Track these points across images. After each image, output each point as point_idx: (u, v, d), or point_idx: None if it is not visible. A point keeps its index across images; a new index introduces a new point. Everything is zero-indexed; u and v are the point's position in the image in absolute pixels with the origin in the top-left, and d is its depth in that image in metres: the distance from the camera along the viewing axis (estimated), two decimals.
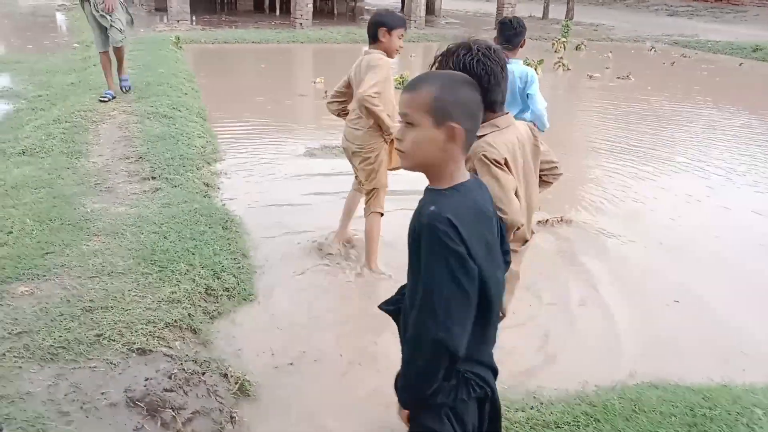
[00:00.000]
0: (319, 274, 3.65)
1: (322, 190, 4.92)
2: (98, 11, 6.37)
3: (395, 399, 1.52)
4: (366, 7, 23.35)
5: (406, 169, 1.47)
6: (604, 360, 2.98)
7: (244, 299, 3.27)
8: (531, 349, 3.04)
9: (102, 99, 6.60)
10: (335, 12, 19.95)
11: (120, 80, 7.05)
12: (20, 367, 2.46)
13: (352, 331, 3.14)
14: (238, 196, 4.70)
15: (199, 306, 3.05)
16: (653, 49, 15.00)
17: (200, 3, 19.25)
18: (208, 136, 6.11)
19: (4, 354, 2.52)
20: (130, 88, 7.13)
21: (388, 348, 2.91)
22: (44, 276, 3.17)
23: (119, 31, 6.53)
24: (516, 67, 3.86)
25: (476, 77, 1.61)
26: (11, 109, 6.61)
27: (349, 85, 3.66)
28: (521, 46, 3.87)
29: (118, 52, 6.77)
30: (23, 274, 3.18)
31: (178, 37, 11.64)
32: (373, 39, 3.47)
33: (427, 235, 1.33)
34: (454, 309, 1.32)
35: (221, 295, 3.22)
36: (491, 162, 1.88)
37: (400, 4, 21.38)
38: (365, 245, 3.71)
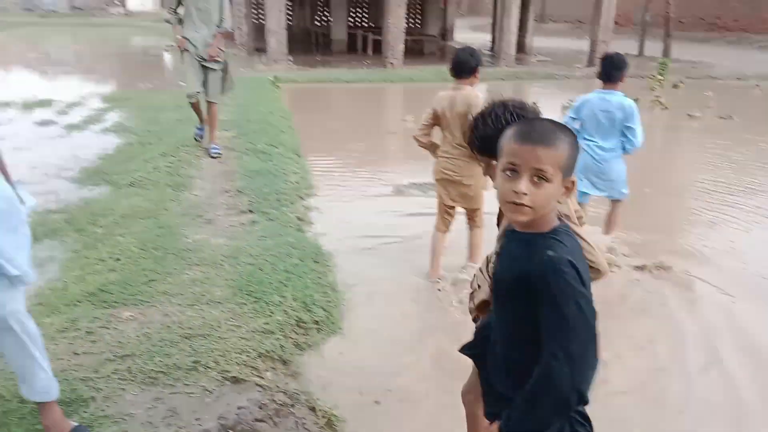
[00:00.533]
0: (408, 311, 3.66)
1: (411, 227, 4.95)
2: (198, 57, 6.24)
3: None
4: (455, 46, 23.64)
5: (519, 222, 1.44)
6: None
7: (333, 333, 3.32)
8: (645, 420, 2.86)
9: (196, 138, 6.94)
10: (425, 51, 20.28)
11: (210, 149, 6.54)
12: (123, 389, 2.59)
13: (439, 371, 3.10)
14: (329, 231, 4.80)
15: (290, 338, 3.12)
16: (758, 87, 14.23)
17: (297, 44, 20.11)
18: (302, 171, 6.31)
19: (110, 375, 2.67)
20: (219, 155, 6.49)
21: None
22: (148, 302, 3.35)
23: (221, 81, 6.46)
24: (615, 97, 4.01)
25: None
26: (123, 142, 7.09)
27: (436, 118, 3.85)
28: (621, 81, 3.99)
29: (212, 109, 6.51)
30: (129, 299, 3.37)
31: (276, 77, 12.18)
32: (468, 74, 3.65)
33: (554, 281, 1.33)
34: (590, 353, 1.33)
35: (311, 327, 3.28)
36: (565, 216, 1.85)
37: (489, 42, 21.49)
38: (471, 256, 4.07)
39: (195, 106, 6.59)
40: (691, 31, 26.88)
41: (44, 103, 9.34)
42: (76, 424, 2.30)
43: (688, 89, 13.72)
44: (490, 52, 19.81)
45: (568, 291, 1.32)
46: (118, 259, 3.87)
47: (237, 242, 4.22)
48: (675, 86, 13.48)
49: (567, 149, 1.38)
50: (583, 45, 18.66)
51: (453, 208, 3.99)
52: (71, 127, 7.86)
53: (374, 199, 5.72)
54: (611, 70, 4.06)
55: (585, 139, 4.24)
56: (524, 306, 1.37)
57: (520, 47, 20.33)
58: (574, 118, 4.25)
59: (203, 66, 6.31)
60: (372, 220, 5.15)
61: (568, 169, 1.39)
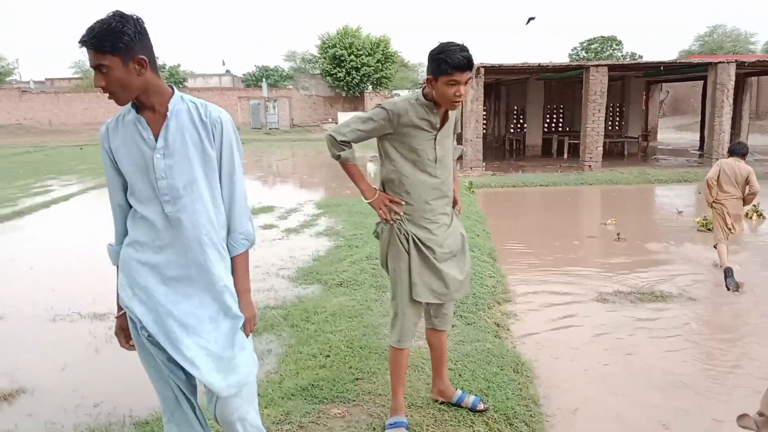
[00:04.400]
0: None
1: (614, 337, 4.65)
2: None
3: None
4: (659, 146, 22.55)
5: None
6: None
7: None
8: None
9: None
10: (625, 152, 19.64)
11: None
12: None
13: None
14: (528, 340, 4.68)
15: None
16: None
17: (491, 150, 20.70)
18: (498, 276, 6.30)
19: None
20: None
21: None
22: (354, 401, 3.49)
23: None
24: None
25: None
26: (333, 245, 7.69)
27: (719, 177, 6.37)
28: None
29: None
30: (337, 396, 3.55)
31: (471, 182, 12.55)
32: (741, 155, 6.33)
33: None
34: None
35: None
36: None
37: (698, 142, 20.22)
38: None
39: None
40: None
41: (267, 209, 10.57)
42: None
43: None
44: (698, 151, 18.58)
45: None
46: (328, 356, 4.12)
47: None
48: None
49: None
50: None
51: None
52: (289, 231, 8.74)
53: (576, 306, 5.48)
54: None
55: None
56: None
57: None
58: None
59: None
60: (574, 331, 4.92)
61: None
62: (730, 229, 6.31)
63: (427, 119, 2.88)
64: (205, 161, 2.13)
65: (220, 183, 2.19)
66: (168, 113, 2.10)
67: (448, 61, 2.70)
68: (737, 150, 6.40)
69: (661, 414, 3.52)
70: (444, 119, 2.94)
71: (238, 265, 2.23)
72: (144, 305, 2.14)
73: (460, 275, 3.09)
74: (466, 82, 2.77)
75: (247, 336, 2.21)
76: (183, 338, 2.11)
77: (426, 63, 2.86)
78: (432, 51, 2.78)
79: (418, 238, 2.96)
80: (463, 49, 2.73)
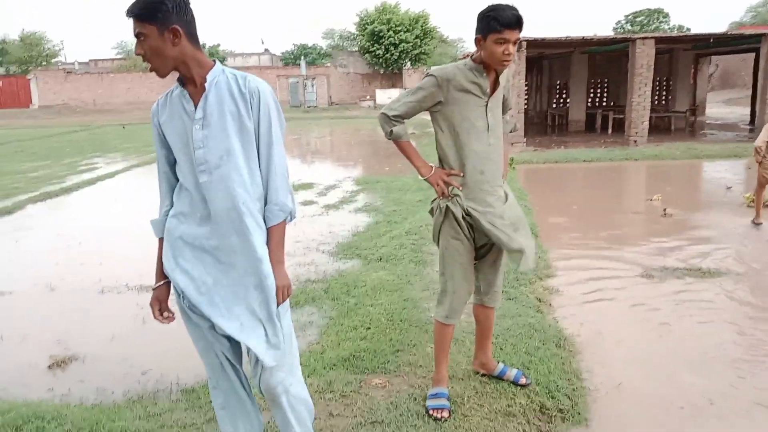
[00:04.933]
0: (657, 410, 3.30)
1: (660, 314, 4.55)
2: None
3: None
4: (707, 121, 21.82)
5: None
6: None
7: (579, 423, 3.11)
8: None
9: None
10: (672, 127, 19.07)
11: None
12: None
13: None
14: (570, 315, 4.61)
15: (534, 424, 3.01)
16: None
17: (533, 126, 20.34)
18: (539, 251, 6.21)
19: None
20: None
21: None
22: (395, 372, 3.51)
23: None
24: None
25: None
26: (372, 221, 7.70)
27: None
28: None
29: None
30: (378, 367, 3.57)
31: (512, 158, 12.37)
32: None
33: None
34: None
35: (555, 415, 3.12)
36: None
37: (748, 116, 19.53)
38: None
39: None
40: None
41: (306, 186, 10.63)
42: None
43: None
44: (749, 126, 17.93)
45: None
46: (368, 328, 4.14)
47: None
48: None
49: None
50: None
51: None
52: (329, 207, 8.79)
53: (619, 283, 5.38)
54: None
55: None
56: None
57: None
58: None
59: None
60: (616, 306, 4.83)
61: None
62: None
63: (476, 82, 2.83)
64: (242, 132, 2.14)
65: (258, 154, 2.19)
66: (207, 84, 2.11)
67: (498, 18, 2.67)
68: None
69: (705, 390, 3.43)
70: (494, 85, 2.89)
71: (273, 236, 2.23)
72: (186, 275, 2.18)
73: (525, 240, 3.03)
74: (514, 42, 2.72)
75: (278, 306, 2.21)
76: (225, 307, 2.14)
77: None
78: (481, 11, 2.76)
79: (477, 211, 2.91)
80: (512, 7, 2.70)
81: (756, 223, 7.13)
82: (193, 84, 2.13)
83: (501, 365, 3.39)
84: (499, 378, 3.34)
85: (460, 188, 2.93)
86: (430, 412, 2.99)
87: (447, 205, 2.94)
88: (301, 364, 3.58)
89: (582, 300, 4.98)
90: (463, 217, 2.92)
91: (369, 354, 3.73)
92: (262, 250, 2.17)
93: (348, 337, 4.02)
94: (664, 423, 3.15)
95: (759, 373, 3.63)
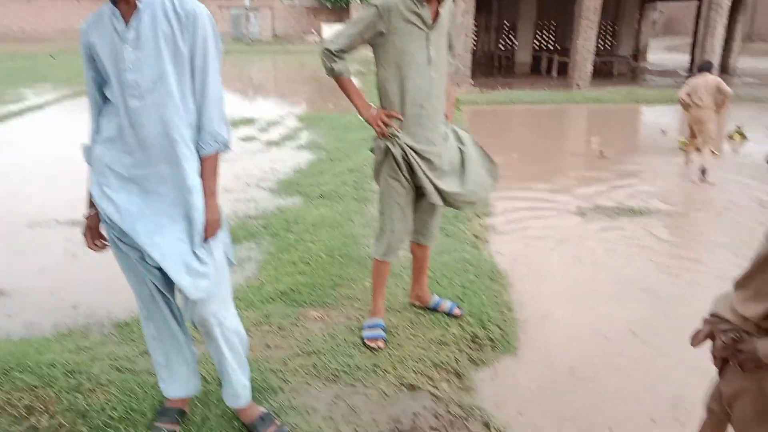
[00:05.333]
0: (582, 339, 3.47)
1: (591, 251, 4.73)
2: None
3: None
4: (648, 67, 22.25)
5: None
6: None
7: (508, 352, 3.24)
8: None
9: None
10: (615, 72, 19.37)
11: None
12: (308, 384, 2.75)
13: (623, 402, 2.89)
14: (505, 251, 4.73)
15: (465, 352, 3.11)
16: None
17: (480, 67, 20.28)
18: None
19: (297, 369, 2.85)
20: None
21: (666, 426, 2.63)
22: (332, 305, 3.55)
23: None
24: None
25: None
26: (314, 158, 7.62)
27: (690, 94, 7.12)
28: None
29: None
30: (316, 301, 3.60)
31: (457, 99, 12.35)
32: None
33: None
34: None
35: (486, 344, 3.24)
36: None
37: (688, 64, 20.00)
38: None
39: None
40: None
41: (248, 122, 10.37)
42: (264, 410, 2.47)
43: None
44: (687, 74, 18.39)
45: None
46: (308, 263, 4.14)
47: None
48: None
49: None
50: None
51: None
52: (270, 143, 8.63)
53: (554, 221, 5.54)
54: None
55: None
56: None
57: (724, 68, 18.66)
58: None
59: None
60: (550, 241, 4.99)
61: None
62: (703, 139, 7.21)
63: (417, 12, 2.76)
64: (176, 56, 2.03)
65: (193, 80, 2.09)
66: (140, 3, 1.99)
67: None
68: (704, 67, 7.37)
69: (629, 321, 3.62)
70: (435, 16, 2.83)
71: (206, 167, 2.16)
72: (111, 203, 2.10)
73: (460, 188, 3.04)
74: None
75: (207, 240, 2.17)
76: (154, 236, 2.08)
77: None
78: None
79: (416, 151, 2.89)
80: None
81: (702, 169, 7.08)
82: (125, 2, 2.00)
83: (436, 297, 3.47)
84: (434, 310, 3.43)
85: (400, 130, 2.90)
86: (366, 342, 3.05)
87: (386, 146, 2.91)
88: (238, 298, 3.60)
89: (517, 237, 5.12)
90: (403, 159, 2.90)
91: (307, 288, 3.75)
92: (194, 181, 2.11)
93: (287, 272, 4.02)
94: (587, 350, 3.31)
95: (677, 304, 3.85)
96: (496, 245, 4.87)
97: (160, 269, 2.21)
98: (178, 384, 2.42)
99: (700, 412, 2.69)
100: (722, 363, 1.72)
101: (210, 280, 2.15)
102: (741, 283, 1.62)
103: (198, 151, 2.14)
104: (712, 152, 7.27)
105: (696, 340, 1.74)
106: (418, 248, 3.36)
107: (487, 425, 2.55)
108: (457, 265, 4.13)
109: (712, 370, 1.61)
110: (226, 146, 2.19)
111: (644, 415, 2.74)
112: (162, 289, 2.28)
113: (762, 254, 1.54)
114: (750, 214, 5.69)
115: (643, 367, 3.14)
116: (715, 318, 1.69)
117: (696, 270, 4.45)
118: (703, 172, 6.95)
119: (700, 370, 2.98)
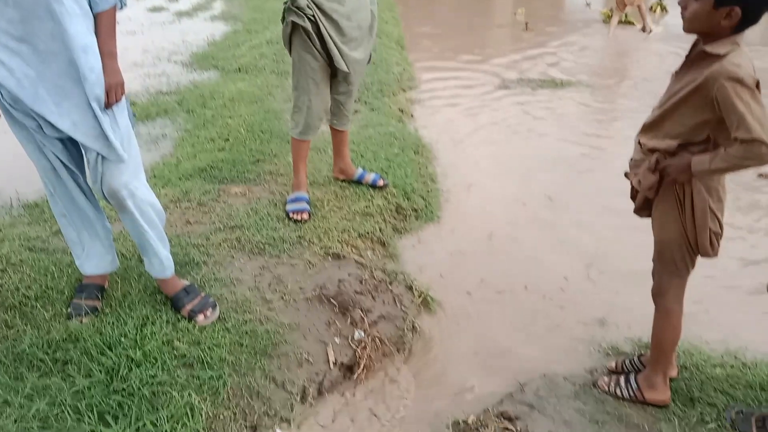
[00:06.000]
0: (502, 206, 3.58)
1: (512, 121, 4.80)
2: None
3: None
4: None
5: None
6: None
7: (431, 220, 3.32)
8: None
9: None
10: None
11: None
12: (233, 257, 2.73)
13: (539, 263, 3.04)
14: (429, 124, 4.72)
15: (389, 222, 3.15)
16: None
17: None
18: (404, 63, 6.17)
19: (220, 243, 2.81)
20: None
21: (578, 283, 2.81)
22: (255, 180, 3.47)
23: None
24: None
25: None
26: (230, 30, 7.18)
27: None
28: None
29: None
30: (238, 176, 3.51)
31: None
32: None
33: None
34: None
35: (410, 214, 3.30)
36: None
37: None
38: None
39: None
40: None
41: None
42: (188, 282, 2.44)
43: None
44: None
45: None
46: (227, 140, 4.00)
47: None
48: None
49: None
50: None
51: None
52: (181, 14, 8.03)
53: (479, 92, 5.53)
54: None
55: None
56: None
57: None
58: None
59: None
60: (474, 114, 5.00)
61: None
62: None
63: None
64: None
65: None
66: None
67: None
68: None
69: (547, 188, 3.75)
70: None
71: (101, 24, 1.96)
72: (3, 66, 1.89)
73: (361, 55, 2.92)
74: None
75: (109, 106, 2.01)
76: (54, 102, 1.91)
77: None
78: None
79: (323, 11, 2.72)
80: None
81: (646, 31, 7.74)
82: None
83: (360, 170, 3.44)
84: (359, 182, 3.41)
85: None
86: (291, 215, 3.03)
87: (292, 20, 2.74)
88: (154, 175, 3.46)
89: (442, 110, 5.10)
90: (316, 33, 2.74)
91: (227, 164, 3.63)
92: (86, 39, 1.91)
93: (205, 149, 3.87)
94: (506, 216, 3.43)
95: (594, 170, 4.00)
96: (421, 119, 4.85)
97: (62, 140, 2.06)
98: (94, 260, 2.34)
99: (610, 271, 2.90)
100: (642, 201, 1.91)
101: (117, 147, 2.02)
102: (649, 128, 1.84)
103: (92, 7, 1.93)
104: (644, 29, 7.58)
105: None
106: (334, 131, 3.29)
107: (410, 287, 2.64)
108: (382, 138, 4.10)
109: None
110: (122, 2, 1.99)
111: (558, 274, 2.90)
112: (66, 162, 2.13)
113: (668, 104, 1.77)
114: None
115: (558, 230, 3.29)
116: (631, 162, 1.91)
117: (610, 137, 4.60)
118: (644, 29, 7.65)
119: (612, 232, 3.17)
